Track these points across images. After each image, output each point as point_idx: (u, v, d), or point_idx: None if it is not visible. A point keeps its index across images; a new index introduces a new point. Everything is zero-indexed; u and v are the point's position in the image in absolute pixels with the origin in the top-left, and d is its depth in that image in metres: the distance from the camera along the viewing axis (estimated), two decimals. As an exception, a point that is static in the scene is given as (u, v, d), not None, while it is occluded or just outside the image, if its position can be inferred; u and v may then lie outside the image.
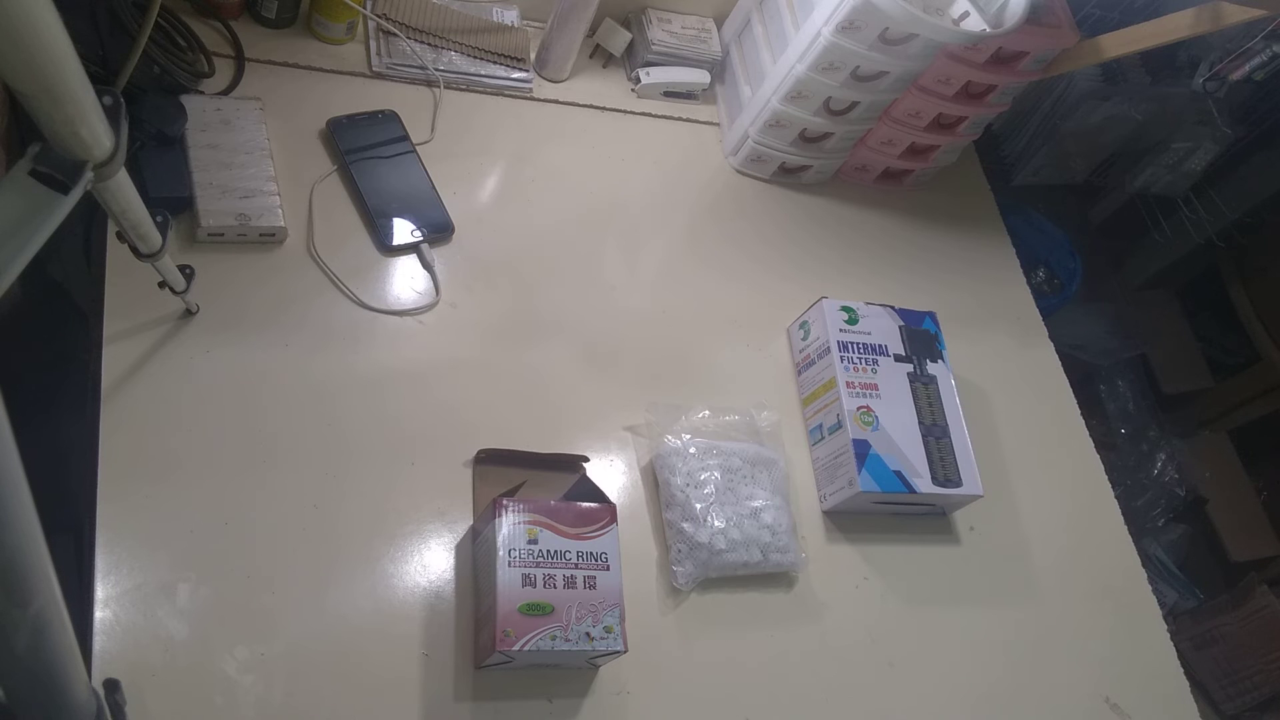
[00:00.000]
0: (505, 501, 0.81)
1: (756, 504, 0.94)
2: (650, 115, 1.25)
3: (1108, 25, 1.31)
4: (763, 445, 1.00)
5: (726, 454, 0.97)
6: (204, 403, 0.85)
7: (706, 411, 1.01)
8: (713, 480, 0.94)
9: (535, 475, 0.91)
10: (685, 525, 0.92)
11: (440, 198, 1.05)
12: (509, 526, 0.80)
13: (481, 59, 1.18)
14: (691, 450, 0.96)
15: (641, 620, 0.88)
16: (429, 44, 1.15)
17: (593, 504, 0.84)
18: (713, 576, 0.92)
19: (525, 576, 0.78)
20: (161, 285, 0.82)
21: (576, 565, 0.80)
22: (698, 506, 0.92)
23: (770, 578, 0.95)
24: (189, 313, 0.88)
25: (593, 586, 0.80)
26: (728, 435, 1.00)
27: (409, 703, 0.78)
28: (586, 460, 0.95)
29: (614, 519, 0.84)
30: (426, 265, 1.01)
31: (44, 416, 0.82)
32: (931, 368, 1.07)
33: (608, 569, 0.81)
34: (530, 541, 0.80)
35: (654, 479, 0.97)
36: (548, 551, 0.80)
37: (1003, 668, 1.00)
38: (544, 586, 0.78)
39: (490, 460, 0.91)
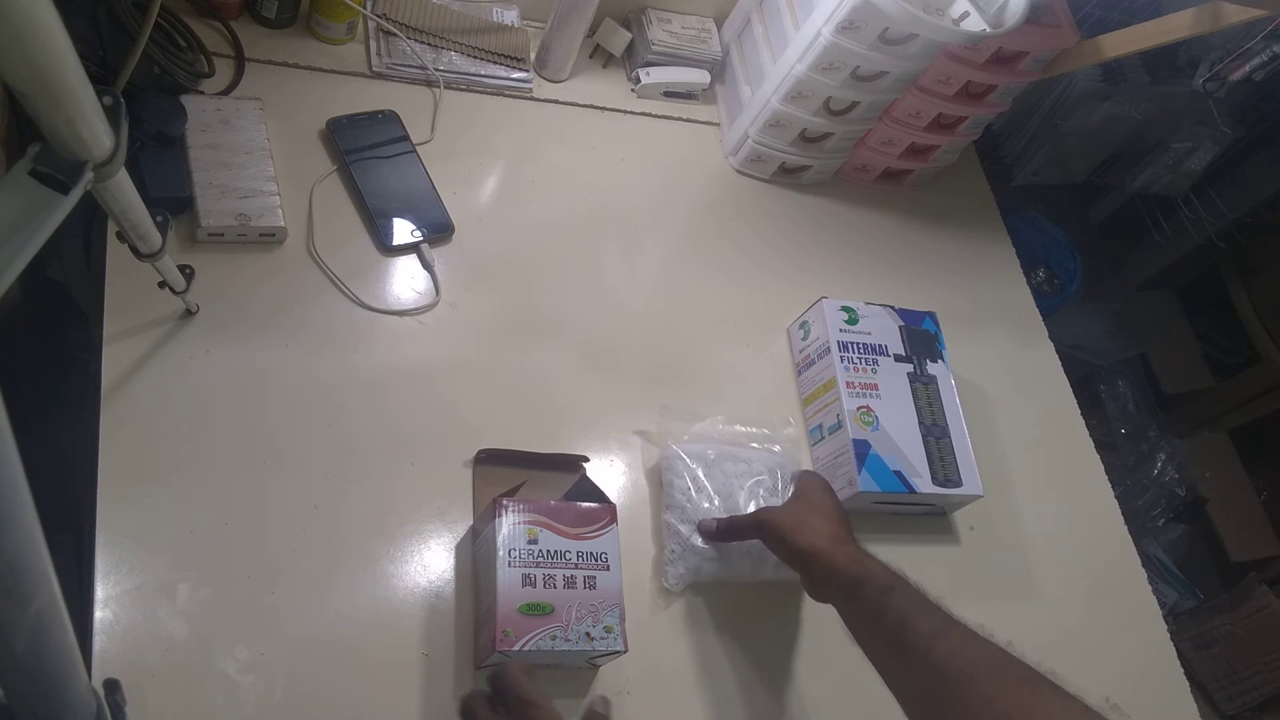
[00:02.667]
0: (505, 501, 0.81)
1: None
2: (650, 115, 1.25)
3: (1108, 25, 1.31)
4: (774, 453, 0.99)
5: (735, 459, 0.96)
6: (204, 403, 0.85)
7: (722, 418, 1.00)
8: (716, 487, 0.94)
9: (535, 475, 0.91)
10: (682, 528, 0.91)
11: (440, 198, 1.05)
12: (509, 526, 0.80)
13: (481, 59, 1.18)
14: (700, 455, 0.95)
15: (642, 620, 0.88)
16: (429, 44, 1.15)
17: (593, 504, 0.84)
18: (704, 582, 0.92)
19: (525, 576, 0.78)
20: (161, 285, 0.82)
21: (576, 565, 0.80)
22: (700, 507, 0.92)
23: (770, 578, 0.95)
24: (189, 313, 0.88)
25: (593, 586, 0.80)
26: (739, 443, 0.99)
27: (409, 702, 0.78)
28: (586, 460, 0.95)
29: (614, 519, 0.84)
30: (426, 265, 1.01)
31: (44, 416, 0.82)
32: (931, 368, 1.07)
33: (608, 569, 0.81)
34: (530, 541, 0.80)
35: (659, 480, 0.97)
36: (548, 551, 0.80)
37: (1003, 668, 1.00)
38: (544, 586, 0.78)
39: (490, 460, 0.91)
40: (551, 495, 0.88)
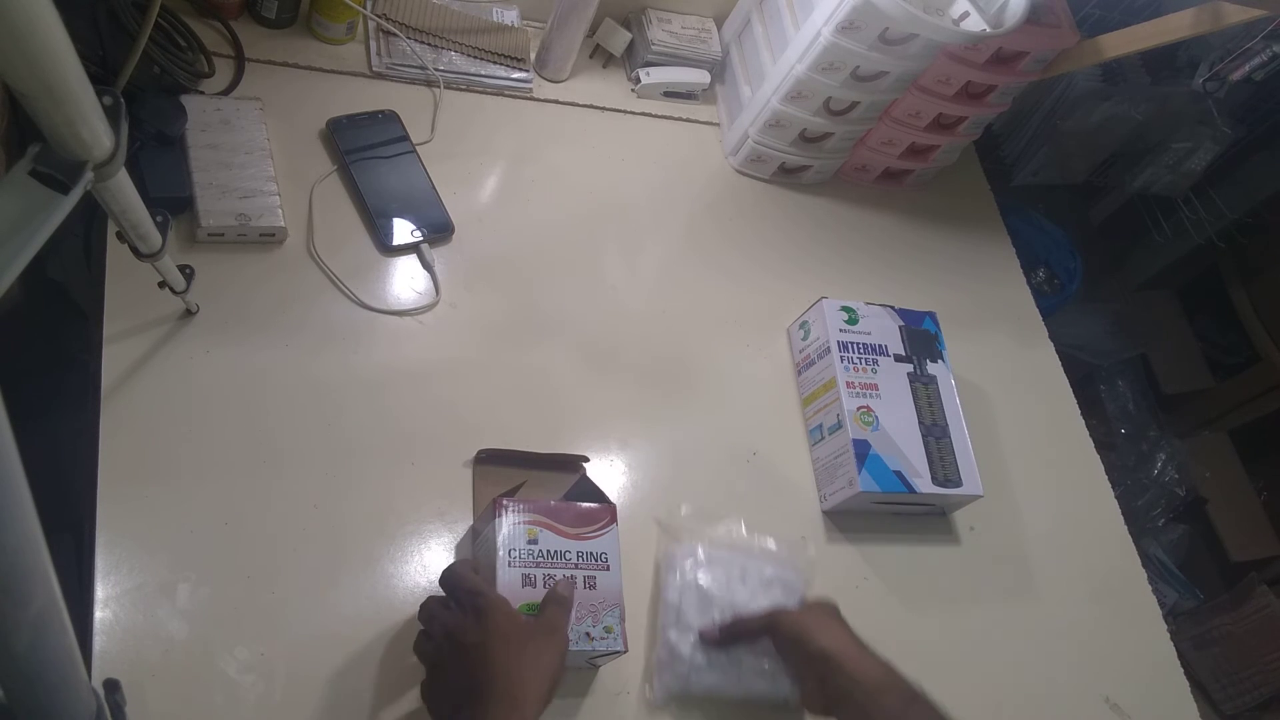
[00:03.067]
0: (505, 501, 0.81)
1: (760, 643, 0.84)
2: (650, 115, 1.25)
3: (1108, 25, 1.31)
4: (784, 568, 0.90)
5: (746, 570, 0.88)
6: (204, 403, 0.85)
7: (741, 525, 0.93)
8: (718, 592, 0.86)
9: (535, 475, 0.91)
10: (672, 633, 0.84)
11: (440, 198, 1.05)
12: (509, 527, 0.80)
13: (481, 59, 1.18)
14: (712, 557, 0.88)
15: (643, 620, 0.88)
16: (429, 44, 1.15)
17: (593, 504, 0.84)
18: (693, 694, 0.84)
19: (525, 577, 0.78)
20: (161, 285, 0.82)
21: (576, 565, 0.80)
22: (697, 611, 0.85)
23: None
24: (189, 313, 0.89)
25: (593, 587, 0.80)
26: (752, 556, 0.91)
27: (410, 702, 0.78)
28: (587, 460, 0.95)
29: (614, 519, 0.84)
30: (426, 265, 1.01)
31: (44, 416, 0.82)
32: (931, 368, 1.07)
33: (608, 569, 0.81)
34: (530, 542, 0.80)
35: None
36: (548, 552, 0.80)
37: (1002, 667, 1.00)
38: (544, 587, 0.78)
39: (490, 460, 0.91)
40: (551, 495, 0.88)
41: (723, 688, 0.84)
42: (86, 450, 0.79)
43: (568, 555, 0.80)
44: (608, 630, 0.79)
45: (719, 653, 0.84)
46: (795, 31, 1.12)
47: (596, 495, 0.87)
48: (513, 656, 0.67)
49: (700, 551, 0.89)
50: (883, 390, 1.03)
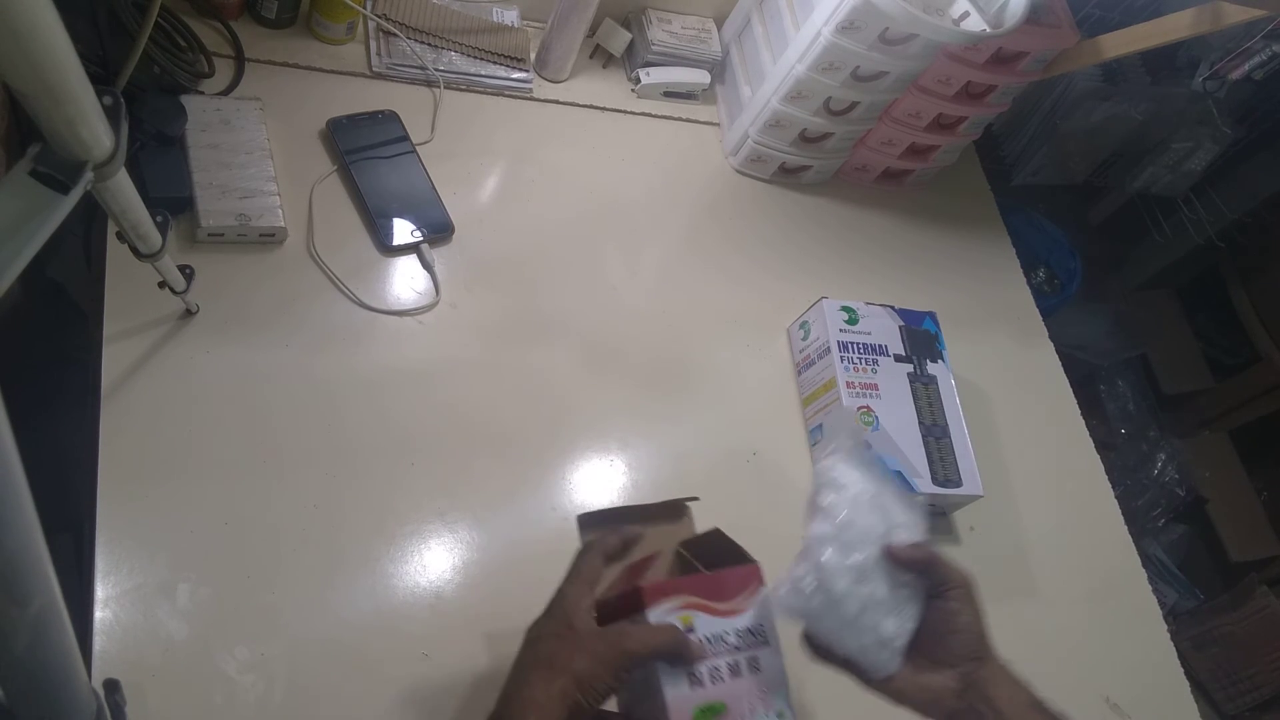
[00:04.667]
0: (648, 588, 0.65)
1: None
2: (650, 115, 1.25)
3: (1108, 25, 1.31)
4: (911, 512, 0.76)
5: (884, 502, 0.74)
6: (204, 403, 0.85)
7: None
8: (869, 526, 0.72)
9: (648, 533, 0.74)
10: (828, 551, 0.68)
11: (440, 198, 1.05)
12: (661, 619, 0.65)
13: (481, 59, 1.18)
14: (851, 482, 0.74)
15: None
16: (429, 44, 1.15)
17: (736, 567, 0.70)
18: (809, 627, 0.68)
19: (692, 676, 0.64)
20: (161, 285, 0.82)
21: (738, 648, 0.66)
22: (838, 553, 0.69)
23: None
24: (189, 313, 0.88)
25: (757, 669, 0.66)
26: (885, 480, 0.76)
27: (409, 702, 0.78)
28: (695, 500, 0.78)
29: (761, 581, 0.69)
30: (426, 265, 1.01)
31: (44, 416, 0.82)
32: (931, 368, 1.07)
33: (767, 644, 0.67)
34: (688, 630, 0.65)
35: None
36: (707, 638, 0.65)
37: (1003, 668, 1.00)
38: (711, 683, 0.64)
39: (592, 524, 0.74)
40: (678, 560, 0.75)
41: (837, 640, 0.67)
42: (86, 450, 0.79)
43: (727, 638, 0.66)
44: (779, 716, 0.66)
45: (856, 606, 0.68)
46: (795, 31, 1.12)
47: (736, 553, 0.72)
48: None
49: (845, 473, 0.73)
50: (883, 390, 1.03)
